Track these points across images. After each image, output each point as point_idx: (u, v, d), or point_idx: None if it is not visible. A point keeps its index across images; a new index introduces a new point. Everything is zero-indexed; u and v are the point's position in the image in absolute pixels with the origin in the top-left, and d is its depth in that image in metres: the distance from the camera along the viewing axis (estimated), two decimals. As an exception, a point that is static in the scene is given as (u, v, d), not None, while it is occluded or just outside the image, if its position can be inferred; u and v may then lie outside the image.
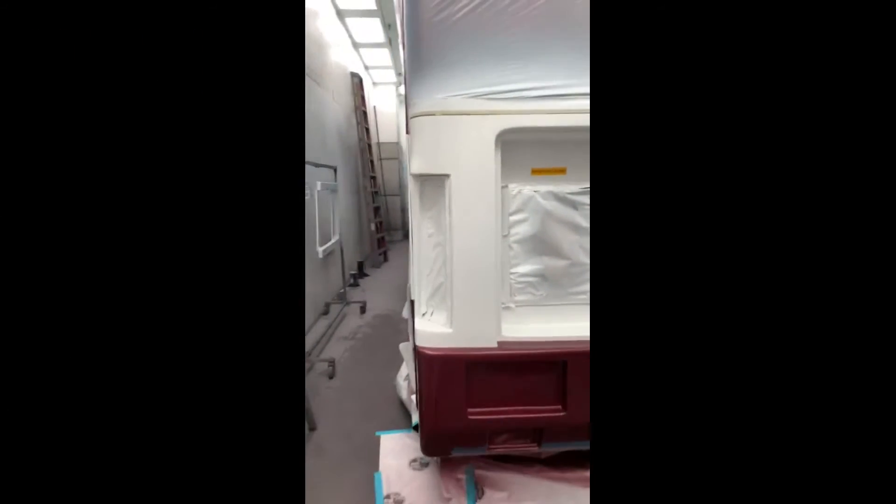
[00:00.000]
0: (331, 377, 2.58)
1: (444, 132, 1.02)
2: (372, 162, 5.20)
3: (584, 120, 1.02)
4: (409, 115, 1.06)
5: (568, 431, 1.15)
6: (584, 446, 1.28)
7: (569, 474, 1.27)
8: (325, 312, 3.49)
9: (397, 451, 1.93)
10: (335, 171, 3.52)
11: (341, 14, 4.36)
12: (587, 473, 1.27)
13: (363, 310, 3.59)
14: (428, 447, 1.18)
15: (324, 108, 3.75)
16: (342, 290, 3.71)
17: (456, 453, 1.24)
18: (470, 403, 1.10)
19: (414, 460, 1.87)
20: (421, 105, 1.02)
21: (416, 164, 1.06)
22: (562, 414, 1.12)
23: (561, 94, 1.01)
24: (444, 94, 1.00)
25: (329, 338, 3.19)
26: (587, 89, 1.01)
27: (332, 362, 2.58)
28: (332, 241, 3.33)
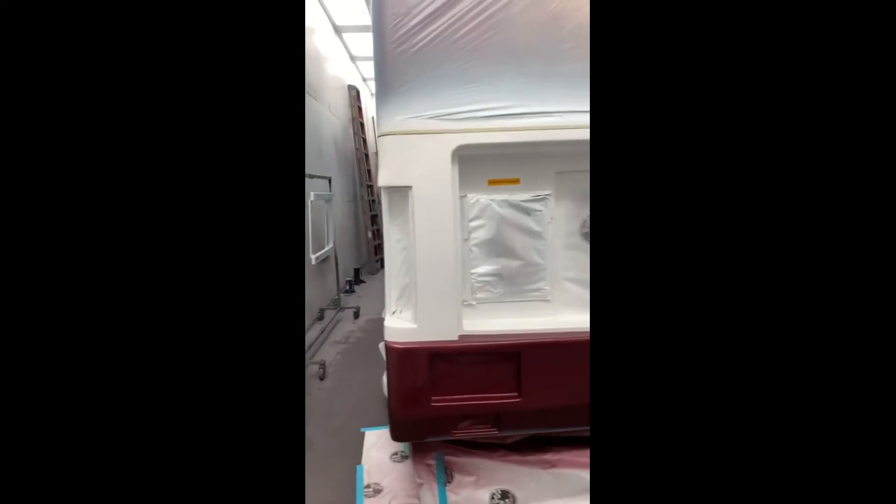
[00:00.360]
0: (322, 378, 2.70)
1: (406, 149, 1.15)
2: (369, 171, 5.35)
3: (530, 136, 1.15)
4: (377, 135, 1.20)
5: (524, 416, 1.26)
6: (541, 431, 1.39)
7: (530, 457, 1.38)
8: (320, 318, 3.61)
9: (380, 446, 2.04)
10: (329, 181, 3.66)
11: (338, 30, 4.54)
12: (546, 456, 1.38)
13: (356, 315, 3.71)
14: (395, 433, 1.30)
15: (320, 121, 3.91)
16: (337, 297, 3.83)
17: (423, 439, 1.36)
18: (433, 392, 1.22)
19: (395, 453, 1.99)
20: (385, 125, 1.16)
21: (383, 178, 1.20)
22: (518, 400, 1.24)
23: (508, 113, 1.14)
24: (405, 115, 1.13)
25: (322, 342, 3.31)
26: (531, 109, 1.14)
27: (322, 364, 2.70)
28: (326, 248, 3.46)
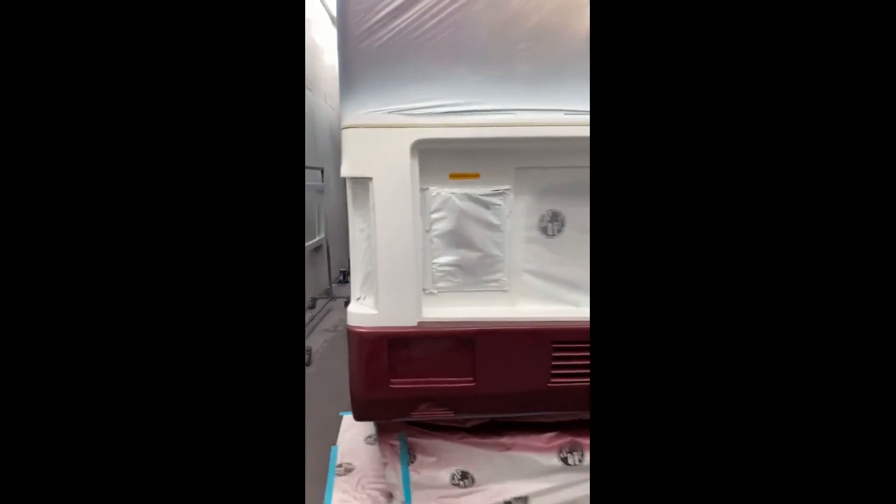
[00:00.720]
0: (307, 364, 2.77)
1: (367, 142, 1.20)
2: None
3: (487, 133, 1.20)
4: (341, 127, 1.25)
5: (478, 400, 1.32)
6: (497, 415, 1.45)
7: (487, 440, 1.45)
8: (311, 307, 3.68)
9: (356, 429, 2.12)
10: (322, 172, 3.72)
11: (335, 20, 4.56)
12: (503, 440, 1.45)
13: (347, 304, 3.78)
14: (357, 412, 1.36)
15: (315, 112, 3.96)
16: (329, 286, 3.90)
17: (384, 419, 1.42)
18: (392, 375, 1.28)
19: (369, 436, 2.06)
20: (348, 118, 1.21)
21: (345, 169, 1.25)
22: (473, 384, 1.29)
23: (466, 110, 1.18)
24: (367, 109, 1.18)
25: (312, 329, 3.39)
26: (489, 106, 1.19)
27: (308, 351, 2.78)
28: (317, 238, 3.52)
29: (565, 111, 1.19)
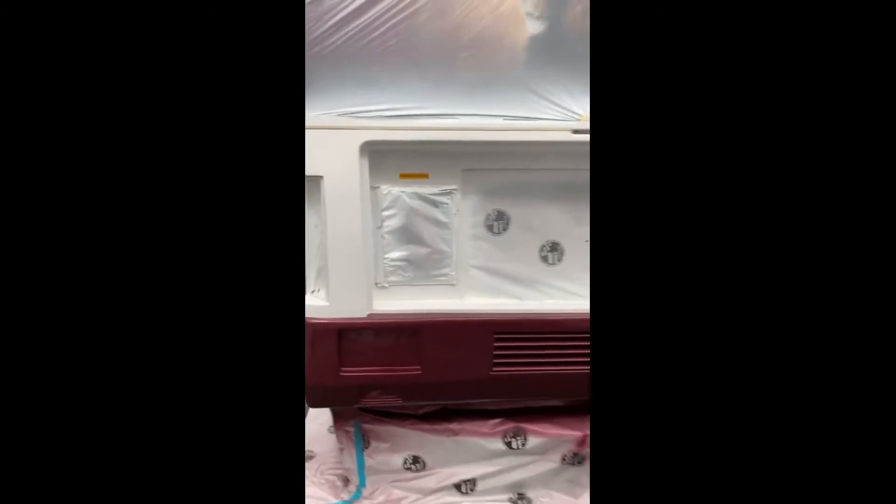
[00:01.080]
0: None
1: (318, 142, 1.26)
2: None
3: (432, 136, 1.28)
4: (294, 128, 1.31)
5: (425, 388, 1.41)
6: (444, 402, 1.54)
7: (436, 426, 1.53)
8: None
9: (320, 419, 2.18)
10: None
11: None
12: (451, 426, 1.53)
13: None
14: (310, 399, 1.43)
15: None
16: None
17: (336, 406, 1.50)
18: (342, 364, 1.36)
19: (332, 426, 2.12)
20: (300, 120, 1.27)
21: (299, 168, 1.31)
22: (419, 373, 1.38)
23: (411, 114, 1.26)
24: (317, 112, 1.25)
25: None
26: (433, 111, 1.26)
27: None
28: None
29: (504, 117, 1.27)
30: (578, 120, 1.29)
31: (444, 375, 1.38)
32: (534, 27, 1.25)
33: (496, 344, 1.38)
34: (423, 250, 1.41)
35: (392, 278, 1.43)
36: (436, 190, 1.39)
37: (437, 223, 1.40)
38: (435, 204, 1.40)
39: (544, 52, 1.26)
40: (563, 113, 1.28)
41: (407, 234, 1.40)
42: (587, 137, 1.30)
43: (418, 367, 1.38)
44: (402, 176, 1.39)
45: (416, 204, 1.39)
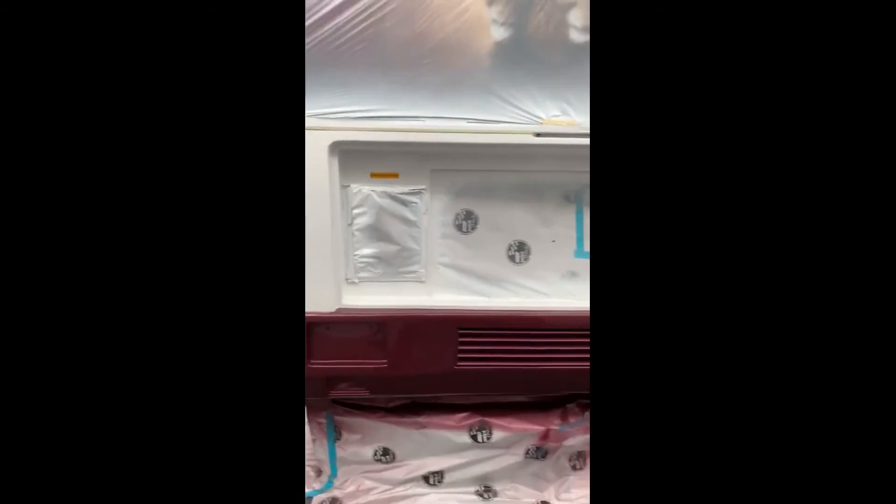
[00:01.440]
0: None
1: (289, 142, 1.32)
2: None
3: (398, 137, 1.32)
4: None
5: (392, 381, 1.46)
6: (411, 396, 1.58)
7: (405, 419, 1.58)
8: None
9: (300, 411, 2.22)
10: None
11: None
12: (419, 419, 1.58)
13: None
14: (280, 390, 1.48)
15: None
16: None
17: (307, 397, 1.55)
18: (311, 356, 1.40)
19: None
20: (272, 120, 1.32)
21: (271, 166, 1.36)
22: (385, 366, 1.42)
23: (378, 116, 1.30)
24: (288, 113, 1.30)
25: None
26: (399, 113, 1.31)
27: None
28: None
29: (469, 120, 1.32)
30: (541, 123, 1.33)
31: (409, 369, 1.43)
32: (498, 33, 1.29)
33: (461, 339, 1.42)
34: (392, 248, 1.46)
35: (362, 274, 1.48)
36: (405, 189, 1.44)
37: (406, 221, 1.45)
38: (404, 203, 1.44)
39: (508, 57, 1.30)
40: (525, 117, 1.33)
41: (377, 232, 1.45)
42: (550, 140, 1.35)
43: (384, 360, 1.42)
44: (373, 175, 1.44)
45: (386, 203, 1.43)
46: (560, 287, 1.51)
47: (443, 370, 1.44)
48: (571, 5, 1.25)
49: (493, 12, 1.30)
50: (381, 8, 1.24)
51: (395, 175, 1.44)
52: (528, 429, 1.55)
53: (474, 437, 1.57)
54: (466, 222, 1.49)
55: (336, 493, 1.64)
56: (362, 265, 1.47)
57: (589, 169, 1.43)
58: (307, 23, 1.26)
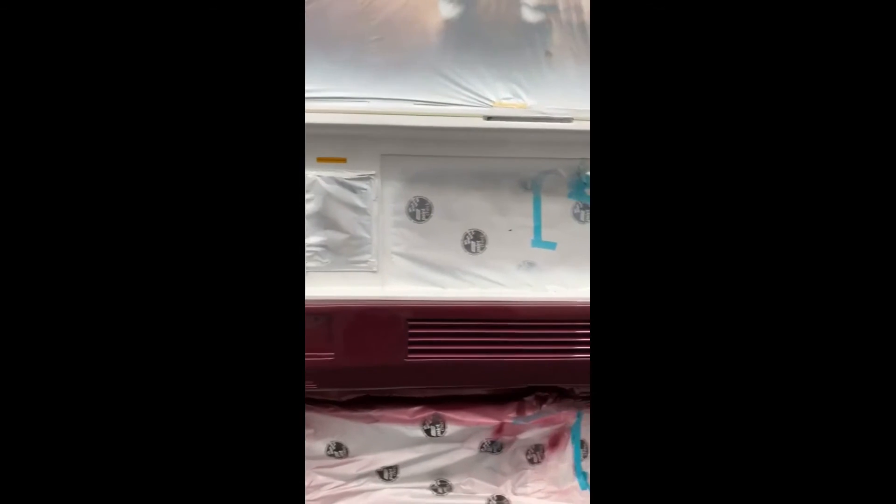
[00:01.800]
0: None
1: (226, 124, 1.25)
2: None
3: (344, 119, 1.26)
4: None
5: (339, 373, 1.41)
6: (361, 389, 1.54)
7: (356, 413, 1.53)
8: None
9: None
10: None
11: None
12: (372, 413, 1.53)
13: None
14: (223, 383, 1.43)
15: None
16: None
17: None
18: (255, 348, 1.35)
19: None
20: (209, 100, 1.25)
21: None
22: (332, 359, 1.37)
23: (319, 96, 1.24)
24: (225, 92, 1.23)
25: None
26: (341, 94, 1.25)
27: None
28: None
29: (416, 101, 1.26)
30: (491, 106, 1.28)
31: (356, 361, 1.38)
32: (447, 11, 1.24)
33: (410, 331, 1.38)
34: (340, 236, 1.40)
35: (310, 264, 1.42)
36: (354, 175, 1.38)
37: (356, 209, 1.39)
38: (353, 189, 1.38)
39: (457, 36, 1.25)
40: (475, 99, 1.27)
41: (324, 220, 1.39)
42: (501, 124, 1.30)
43: (331, 352, 1.37)
44: (320, 160, 1.37)
45: (333, 189, 1.37)
46: (516, 277, 1.47)
47: (392, 362, 1.39)
48: (524, -19, 1.20)
49: (442, -13, 1.25)
50: (321, -19, 1.18)
51: (343, 160, 1.38)
52: (481, 422, 1.51)
53: (427, 432, 1.54)
54: (420, 210, 1.44)
55: (288, 488, 1.60)
56: (309, 254, 1.41)
57: (545, 155, 1.39)
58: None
